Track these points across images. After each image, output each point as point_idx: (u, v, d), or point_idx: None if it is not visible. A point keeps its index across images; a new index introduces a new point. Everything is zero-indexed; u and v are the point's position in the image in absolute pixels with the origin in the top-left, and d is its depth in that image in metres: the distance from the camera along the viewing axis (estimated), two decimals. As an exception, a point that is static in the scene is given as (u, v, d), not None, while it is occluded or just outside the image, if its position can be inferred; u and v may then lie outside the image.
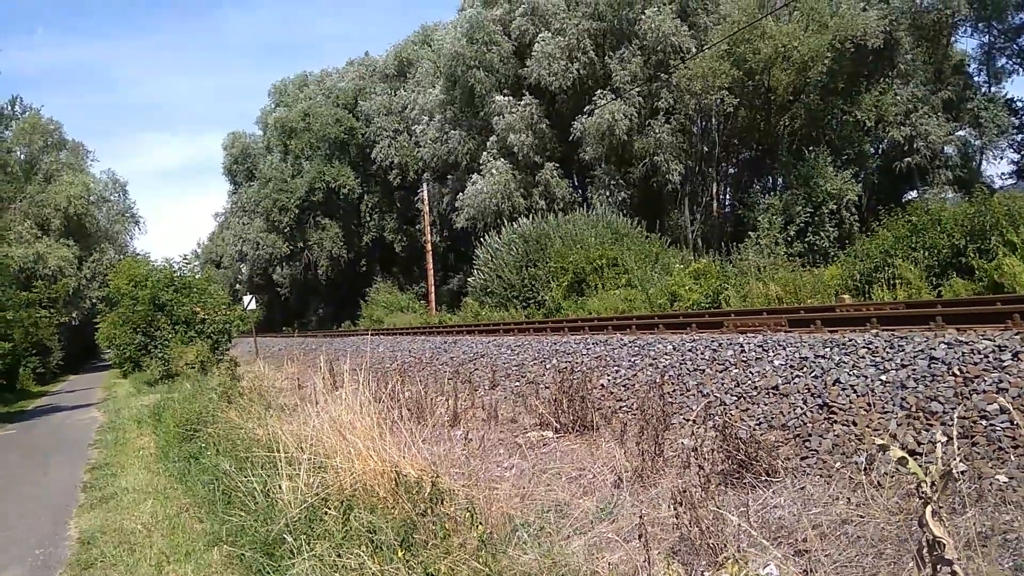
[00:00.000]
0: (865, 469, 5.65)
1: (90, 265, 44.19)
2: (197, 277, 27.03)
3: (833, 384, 6.95)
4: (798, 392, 7.22)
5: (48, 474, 10.91)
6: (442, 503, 4.87)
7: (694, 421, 7.67)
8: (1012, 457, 5.21)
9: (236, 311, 27.63)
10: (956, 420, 5.55)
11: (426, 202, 38.75)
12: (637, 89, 30.34)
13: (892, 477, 5.41)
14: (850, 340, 7.63)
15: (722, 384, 8.33)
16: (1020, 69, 33.17)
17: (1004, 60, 33.62)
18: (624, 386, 9.87)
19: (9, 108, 45.00)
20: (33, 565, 6.46)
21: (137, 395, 20.46)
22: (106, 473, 10.11)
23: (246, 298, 32.89)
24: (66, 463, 11.61)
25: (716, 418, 7.31)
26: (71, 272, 41.19)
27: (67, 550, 6.78)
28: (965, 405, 5.82)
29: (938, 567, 2.90)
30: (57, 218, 41.97)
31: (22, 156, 44.33)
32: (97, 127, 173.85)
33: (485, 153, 34.41)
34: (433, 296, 38.77)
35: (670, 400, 8.41)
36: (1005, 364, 6.04)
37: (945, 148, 29.22)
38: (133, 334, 24.53)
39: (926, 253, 14.88)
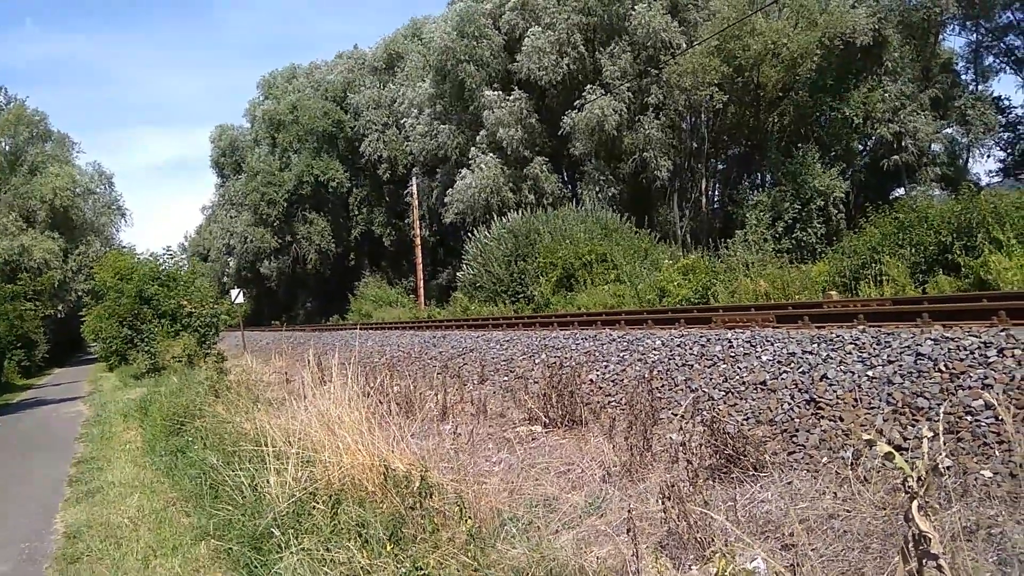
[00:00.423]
0: (851, 464, 5.69)
1: (76, 258, 43.83)
2: (182, 270, 26.88)
3: (820, 380, 6.99)
4: (785, 387, 7.26)
5: (33, 468, 10.83)
6: (431, 497, 4.87)
7: (682, 416, 7.70)
8: (997, 453, 5.25)
9: (224, 305, 27.47)
10: (942, 416, 5.59)
11: (415, 196, 38.67)
12: (627, 85, 30.36)
13: (878, 472, 5.45)
14: (837, 336, 7.67)
15: (710, 379, 8.36)
16: (1007, 67, 33.45)
17: (991, 58, 33.90)
18: (613, 381, 9.89)
19: (-7, 99, 44.58)
20: (19, 559, 6.41)
21: (123, 389, 20.35)
22: (92, 467, 10.05)
23: (233, 292, 32.76)
24: (52, 457, 11.53)
25: (704, 413, 7.33)
26: (57, 264, 40.89)
27: (53, 544, 6.74)
28: (951, 401, 5.87)
29: (924, 561, 2.92)
30: (42, 210, 41.60)
31: (7, 147, 43.91)
32: (88, 121, 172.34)
33: (474, 148, 34.34)
34: (422, 290, 38.72)
35: (658, 395, 8.44)
36: (990, 360, 6.09)
37: (932, 146, 29.42)
38: (119, 327, 24.36)
39: (913, 250, 14.97)
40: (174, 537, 6.29)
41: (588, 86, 30.55)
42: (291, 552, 4.61)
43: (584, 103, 30.06)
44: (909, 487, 2.99)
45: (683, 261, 21.44)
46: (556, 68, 31.71)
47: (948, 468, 5.14)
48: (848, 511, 4.99)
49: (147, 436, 11.44)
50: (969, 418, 5.65)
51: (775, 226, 26.05)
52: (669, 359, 9.40)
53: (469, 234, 32.26)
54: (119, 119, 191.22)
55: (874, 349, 7.00)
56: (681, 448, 5.94)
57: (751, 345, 8.51)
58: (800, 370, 7.36)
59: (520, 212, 30.44)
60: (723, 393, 7.94)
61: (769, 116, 30.40)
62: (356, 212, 51.50)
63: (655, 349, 9.95)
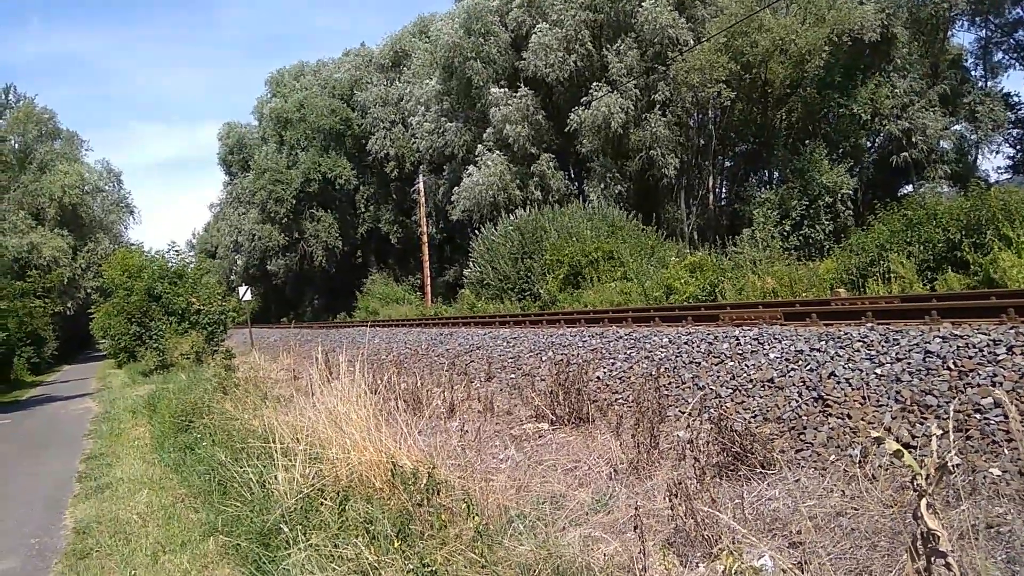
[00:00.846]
0: (860, 462, 5.68)
1: (85, 255, 44.10)
2: (189, 267, 27.00)
3: (828, 377, 6.97)
4: (793, 385, 7.24)
5: (43, 464, 10.90)
6: (438, 494, 4.88)
7: (689, 414, 7.68)
8: (1006, 451, 5.23)
9: (231, 302, 27.58)
10: (951, 414, 5.57)
11: (422, 193, 38.70)
12: (633, 82, 30.28)
13: (886, 470, 5.44)
14: (845, 334, 7.65)
15: (718, 377, 8.35)
16: (1017, 63, 33.29)
17: (1001, 54, 33.72)
18: (620, 379, 9.88)
19: (3, 97, 44.84)
20: (29, 555, 6.45)
21: (132, 385, 20.45)
22: (101, 463, 10.11)
23: (241, 289, 32.90)
24: (61, 453, 11.60)
25: (711, 411, 7.33)
26: (66, 262, 41.16)
27: (63, 540, 6.79)
28: (959, 399, 5.84)
29: (932, 559, 2.91)
30: (52, 208, 41.86)
31: (16, 145, 44.17)
32: (93, 118, 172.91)
33: (481, 145, 34.34)
34: (429, 288, 38.75)
35: (665, 393, 8.43)
36: (999, 358, 6.07)
37: (941, 142, 29.27)
38: (128, 324, 24.48)
39: (921, 247, 14.90)
40: (183, 533, 6.32)
41: (595, 83, 30.49)
42: (299, 548, 4.63)
43: (591, 100, 30.01)
44: (918, 485, 2.98)
45: (690, 258, 21.38)
46: (563, 65, 31.66)
47: (957, 466, 5.11)
48: (856, 509, 4.98)
49: (156, 433, 11.49)
50: (978, 416, 5.63)
51: (783, 223, 25.97)
52: (676, 356, 9.39)
53: (476, 231, 32.25)
54: (124, 116, 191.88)
55: (882, 347, 6.98)
56: (688, 446, 5.94)
57: (759, 343, 8.49)
58: (808, 368, 7.34)
59: (527, 209, 30.41)
60: (731, 391, 7.93)
61: (777, 113, 30.30)
62: (363, 209, 51.58)
63: (662, 346, 9.94)
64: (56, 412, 18.22)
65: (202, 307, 24.00)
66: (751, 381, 7.81)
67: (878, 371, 6.66)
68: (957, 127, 30.52)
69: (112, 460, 10.23)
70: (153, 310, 23.91)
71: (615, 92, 29.92)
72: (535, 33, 31.77)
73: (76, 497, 8.40)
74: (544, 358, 12.07)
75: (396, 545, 4.42)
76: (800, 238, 25.86)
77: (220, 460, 7.08)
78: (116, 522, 6.96)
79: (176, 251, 26.81)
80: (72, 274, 41.79)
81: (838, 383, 6.84)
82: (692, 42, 29.24)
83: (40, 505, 8.24)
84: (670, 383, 8.81)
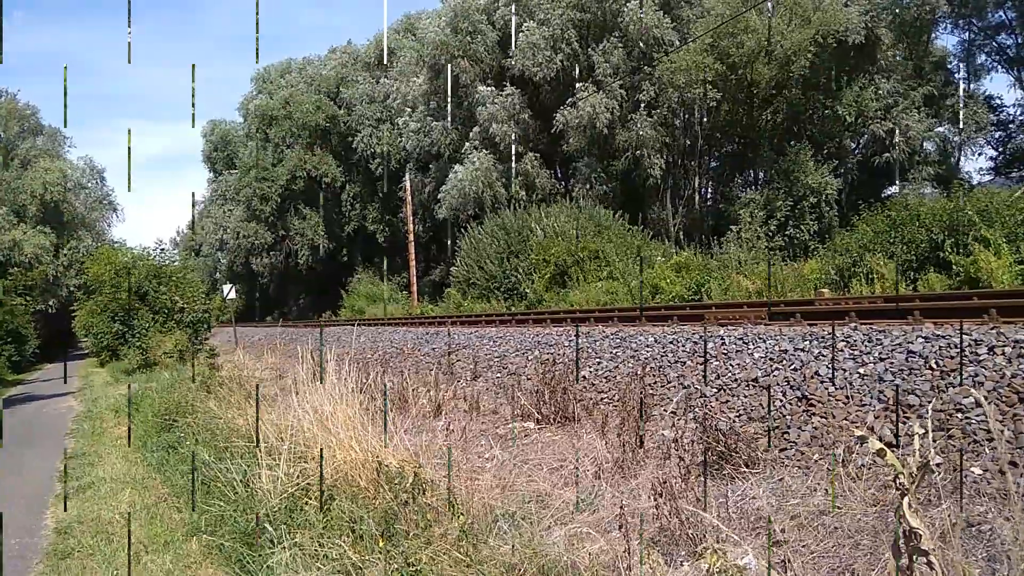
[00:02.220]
0: (843, 461, 5.71)
1: (67, 253, 43.63)
2: (174, 264, 26.84)
3: (812, 377, 7.01)
4: (777, 384, 7.28)
5: (24, 463, 10.78)
6: (423, 493, 4.87)
7: (674, 413, 7.72)
8: (987, 450, 5.28)
9: (216, 300, 27.44)
10: (932, 413, 5.62)
11: (408, 192, 38.57)
12: (619, 82, 30.32)
13: (869, 469, 5.48)
14: (829, 334, 7.70)
15: (702, 376, 8.38)
16: (999, 66, 33.58)
17: (984, 57, 34.03)
18: (606, 378, 9.90)
19: (-16, 93, 44.34)
20: (9, 555, 6.38)
21: (114, 384, 20.26)
22: (83, 462, 10.01)
23: (226, 287, 32.71)
24: (42, 452, 11.48)
25: (696, 410, 7.36)
26: (47, 259, 40.72)
27: (44, 540, 6.72)
28: (941, 398, 5.89)
29: (914, 557, 2.93)
30: (33, 205, 41.40)
31: (-3, 141, 43.71)
32: (78, 114, 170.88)
33: (468, 144, 34.29)
34: (415, 287, 38.67)
35: (651, 392, 8.45)
36: (981, 358, 6.12)
37: (925, 144, 29.54)
38: (111, 323, 24.27)
39: (904, 248, 15.03)
40: (166, 533, 6.27)
41: (581, 83, 30.51)
42: (283, 547, 4.61)
43: (577, 100, 30.03)
44: (900, 483, 3.01)
45: (676, 258, 21.45)
46: (550, 64, 31.67)
47: (938, 465, 5.17)
48: (839, 507, 5.01)
49: (138, 432, 11.39)
50: (960, 415, 5.68)
51: (768, 223, 26.11)
52: (662, 356, 9.42)
53: (462, 230, 32.21)
54: (110, 112, 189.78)
55: (865, 346, 7.03)
56: (673, 445, 5.96)
57: (743, 342, 8.53)
58: (792, 367, 7.38)
59: (512, 208, 30.38)
60: (715, 390, 7.96)
61: (762, 114, 30.43)
62: (349, 208, 51.34)
63: (648, 346, 9.97)
64: (37, 411, 18.03)
65: (186, 305, 23.84)
66: (736, 380, 7.85)
67: (861, 371, 6.71)
68: (940, 129, 30.81)
69: (94, 459, 10.14)
70: (139, 308, 23.74)
71: (601, 92, 29.95)
72: (522, 32, 31.74)
73: (58, 497, 8.31)
74: (530, 357, 12.08)
75: (381, 544, 4.41)
76: (785, 238, 26.01)
77: (204, 459, 7.04)
78: (98, 522, 6.90)
79: (162, 250, 26.70)
80: (54, 272, 41.37)
81: (822, 383, 6.88)
82: (678, 42, 29.32)
83: (21, 505, 8.15)
84: (655, 382, 8.84)
